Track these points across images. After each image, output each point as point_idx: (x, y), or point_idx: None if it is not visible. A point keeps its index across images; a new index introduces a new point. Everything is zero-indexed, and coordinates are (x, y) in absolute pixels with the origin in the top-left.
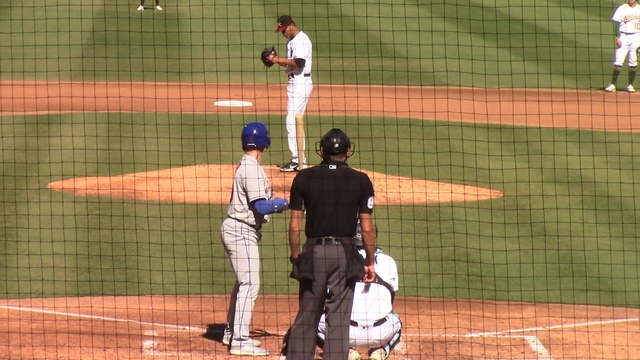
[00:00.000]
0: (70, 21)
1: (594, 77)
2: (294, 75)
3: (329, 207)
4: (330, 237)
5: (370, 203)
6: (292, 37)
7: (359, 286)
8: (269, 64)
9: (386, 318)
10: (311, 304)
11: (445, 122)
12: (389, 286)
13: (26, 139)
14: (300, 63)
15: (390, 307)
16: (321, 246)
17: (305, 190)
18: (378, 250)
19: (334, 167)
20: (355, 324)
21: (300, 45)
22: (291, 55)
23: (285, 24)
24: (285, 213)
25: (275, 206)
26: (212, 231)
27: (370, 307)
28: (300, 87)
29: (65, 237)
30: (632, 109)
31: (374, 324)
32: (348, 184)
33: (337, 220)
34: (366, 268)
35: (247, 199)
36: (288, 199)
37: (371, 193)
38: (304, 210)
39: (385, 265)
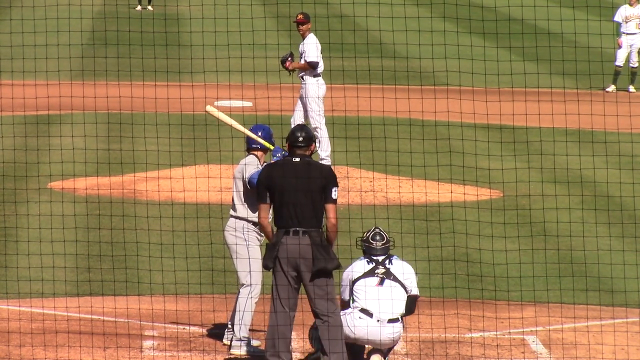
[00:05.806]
0: (70, 21)
1: (594, 77)
2: (304, 78)
3: (293, 198)
4: (297, 229)
5: (334, 193)
6: (303, 37)
7: (373, 280)
8: (288, 70)
9: (399, 319)
10: (280, 303)
11: (445, 122)
12: (404, 287)
13: (26, 139)
14: (313, 65)
15: (402, 310)
16: (289, 237)
17: (269, 184)
18: (394, 257)
19: (297, 159)
20: (370, 314)
21: (310, 46)
22: (301, 57)
23: (306, 21)
24: None
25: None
26: (212, 231)
27: (384, 303)
28: (312, 89)
29: (65, 237)
30: (632, 109)
31: (388, 320)
32: (311, 175)
33: (303, 212)
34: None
35: (246, 182)
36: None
37: (335, 183)
38: (270, 204)
39: (399, 268)
